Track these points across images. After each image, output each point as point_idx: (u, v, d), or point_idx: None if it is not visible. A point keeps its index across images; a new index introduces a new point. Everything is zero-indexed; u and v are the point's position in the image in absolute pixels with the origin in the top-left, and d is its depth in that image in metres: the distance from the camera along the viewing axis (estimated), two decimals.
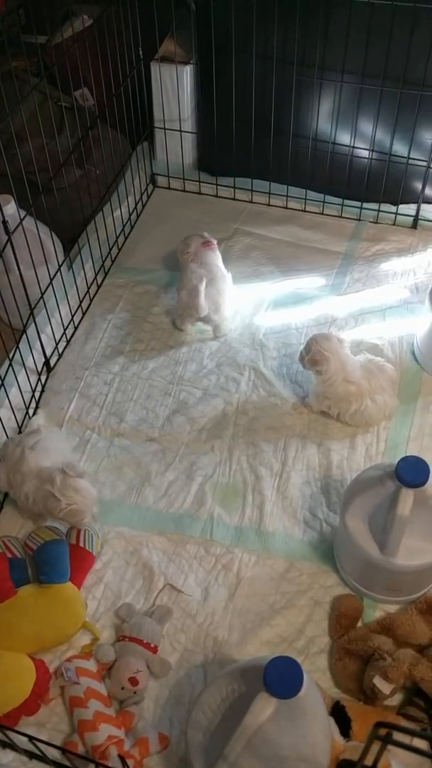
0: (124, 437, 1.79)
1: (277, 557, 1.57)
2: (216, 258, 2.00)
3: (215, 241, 2.02)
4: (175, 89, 2.22)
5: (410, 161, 2.16)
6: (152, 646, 1.43)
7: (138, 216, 2.35)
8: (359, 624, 1.46)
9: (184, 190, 2.42)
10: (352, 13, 1.90)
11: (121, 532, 1.62)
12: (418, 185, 2.22)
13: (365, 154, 2.20)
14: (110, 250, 2.19)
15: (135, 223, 2.33)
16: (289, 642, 1.45)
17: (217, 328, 1.98)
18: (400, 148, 2.16)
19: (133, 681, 1.37)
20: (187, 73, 2.23)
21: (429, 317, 1.83)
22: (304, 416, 1.81)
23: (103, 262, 2.15)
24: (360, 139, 2.19)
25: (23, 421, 1.79)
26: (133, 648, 1.41)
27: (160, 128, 2.33)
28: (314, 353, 1.70)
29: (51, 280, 1.86)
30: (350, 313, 2.03)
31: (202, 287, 1.88)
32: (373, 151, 2.19)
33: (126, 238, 2.28)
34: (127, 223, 2.29)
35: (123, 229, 2.26)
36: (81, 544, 1.55)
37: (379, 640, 1.38)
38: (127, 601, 1.52)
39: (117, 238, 2.23)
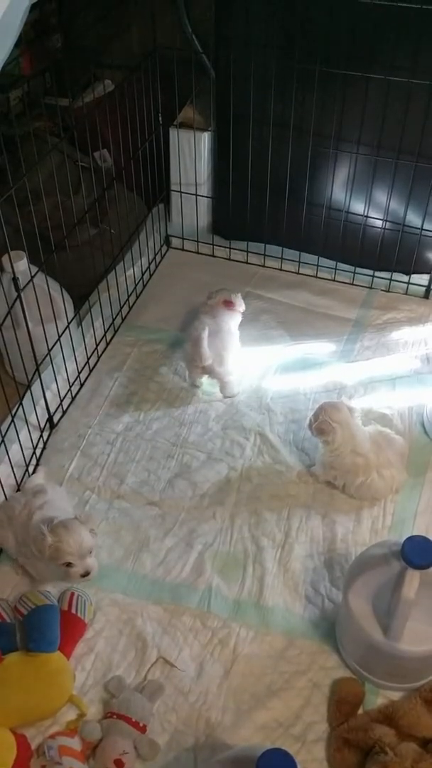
0: (123, 500, 1.74)
1: (276, 634, 1.51)
2: (230, 317, 1.99)
3: (239, 305, 2.01)
4: (193, 154, 2.26)
5: (424, 232, 2.17)
6: (141, 725, 1.35)
7: (151, 276, 2.36)
8: (360, 711, 1.38)
9: (197, 252, 2.44)
10: (368, 87, 1.94)
11: (116, 599, 1.56)
12: (431, 256, 2.22)
13: (378, 223, 2.21)
14: (121, 308, 2.19)
15: (147, 282, 2.34)
16: (285, 728, 1.38)
17: (224, 387, 1.96)
18: (413, 219, 2.17)
19: (119, 763, 1.29)
20: (204, 140, 2.27)
21: None
22: (309, 486, 1.77)
23: (113, 319, 2.15)
24: (374, 208, 2.20)
25: (23, 479, 1.75)
26: (121, 726, 1.34)
27: (176, 191, 2.36)
28: (321, 422, 1.67)
29: (59, 336, 1.85)
30: (359, 381, 2.01)
31: (205, 335, 1.88)
32: (386, 221, 2.20)
33: (137, 297, 2.28)
34: (139, 282, 2.29)
35: (135, 288, 2.27)
36: (73, 611, 1.49)
37: (380, 730, 1.30)
38: (117, 674, 1.45)
39: (128, 296, 2.23)
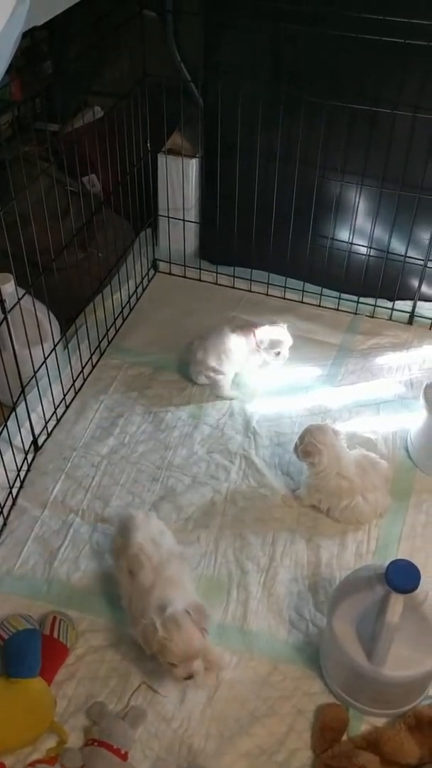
0: (108, 523, 1.73)
1: (260, 659, 1.50)
2: (242, 337, 2.01)
3: (258, 337, 2.00)
4: (181, 180, 2.29)
5: (407, 259, 2.20)
6: (122, 752, 1.34)
7: (138, 299, 2.37)
8: (344, 737, 1.37)
9: (184, 277, 2.46)
10: (354, 117, 1.98)
11: (99, 624, 1.55)
12: (415, 282, 2.25)
13: (363, 250, 2.25)
14: (107, 331, 2.20)
15: (134, 306, 2.35)
16: (269, 755, 1.36)
17: (214, 384, 2.01)
18: (397, 246, 2.20)
19: None
20: (192, 166, 2.30)
21: (423, 414, 1.81)
22: (293, 509, 1.77)
23: (100, 342, 2.15)
24: (359, 235, 2.24)
25: (5, 501, 1.74)
26: (102, 754, 1.32)
27: (164, 216, 2.38)
28: (307, 444, 1.68)
29: (45, 359, 1.85)
30: (344, 406, 2.02)
31: (213, 338, 2.00)
32: (371, 248, 2.23)
33: (124, 320, 2.29)
34: (126, 305, 2.30)
35: (122, 312, 2.28)
36: (55, 636, 1.48)
37: (364, 757, 1.29)
38: (99, 700, 1.43)
39: (115, 319, 2.24)
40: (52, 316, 2.00)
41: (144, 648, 1.38)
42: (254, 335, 1.99)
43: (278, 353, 2.01)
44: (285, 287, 2.36)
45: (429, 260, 2.18)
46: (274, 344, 1.99)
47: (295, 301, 2.36)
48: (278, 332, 2.00)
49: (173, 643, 1.33)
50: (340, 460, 1.68)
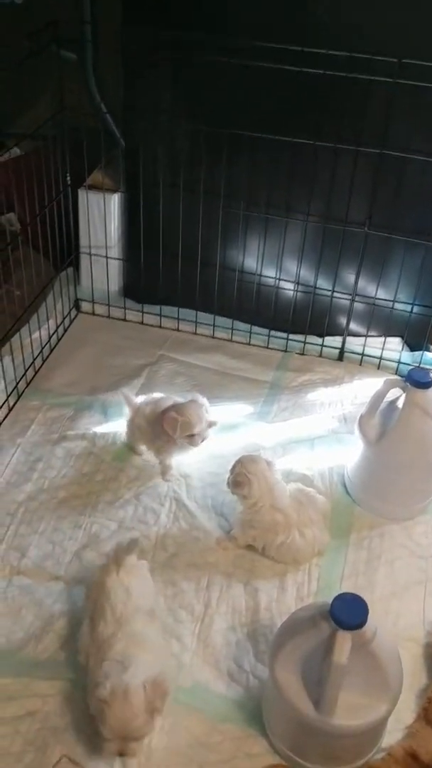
0: (24, 576, 1.57)
1: (195, 718, 1.35)
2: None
3: (165, 424, 1.73)
4: (102, 216, 2.21)
5: (335, 295, 2.17)
6: None
7: (59, 339, 2.25)
8: None
9: (108, 317, 2.36)
10: (276, 151, 1.96)
11: (13, 688, 1.37)
12: (343, 318, 2.22)
13: (291, 287, 2.21)
14: (26, 371, 2.06)
15: (55, 346, 2.22)
16: None
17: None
18: (324, 283, 2.17)
19: None
20: (114, 201, 2.23)
21: (359, 448, 1.74)
22: (228, 552, 1.65)
23: (17, 383, 2.01)
24: (286, 272, 2.20)
25: None
26: None
27: (86, 253, 2.29)
28: (237, 474, 1.58)
29: None
30: (278, 442, 1.93)
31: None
32: (298, 284, 2.19)
33: (44, 361, 2.16)
34: (46, 345, 2.18)
35: (41, 352, 2.15)
36: None
37: None
38: None
39: (34, 359, 2.11)
40: None
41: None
42: (163, 422, 1.71)
43: (192, 436, 1.73)
44: (214, 326, 2.29)
45: (356, 295, 2.15)
46: (185, 427, 1.70)
47: (224, 339, 2.30)
48: (190, 411, 1.72)
49: (111, 712, 1.18)
50: (272, 491, 1.58)
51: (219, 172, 2.05)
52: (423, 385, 1.63)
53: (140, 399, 1.85)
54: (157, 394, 1.86)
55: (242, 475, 1.57)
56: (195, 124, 1.98)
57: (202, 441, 1.75)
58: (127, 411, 1.85)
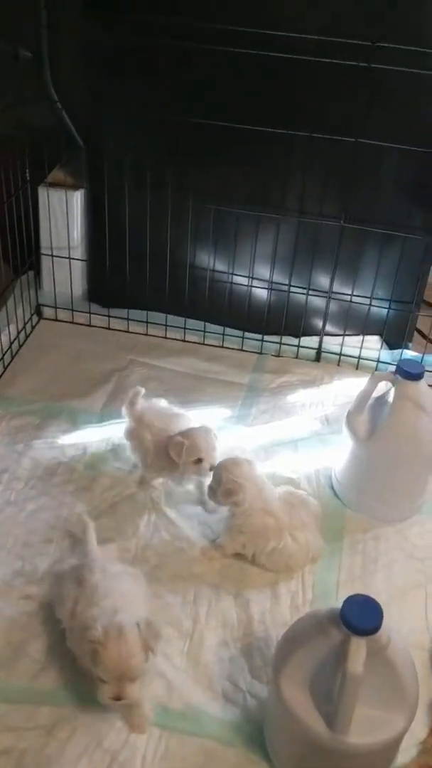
0: None
1: (189, 745, 1.22)
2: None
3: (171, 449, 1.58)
4: (65, 215, 2.09)
5: (311, 292, 2.09)
6: None
7: (21, 346, 2.11)
8: None
9: (72, 322, 2.23)
10: (248, 142, 1.88)
11: None
12: (320, 318, 2.14)
13: (265, 285, 2.12)
14: None
15: (17, 353, 2.08)
16: None
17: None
18: (299, 281, 2.09)
19: None
20: (77, 199, 2.12)
21: (348, 447, 1.65)
22: (215, 562, 1.53)
23: None
24: (259, 271, 2.11)
25: None
26: None
27: (47, 255, 2.16)
28: (227, 482, 1.46)
29: None
30: (260, 446, 1.83)
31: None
32: (272, 282, 2.11)
33: (5, 369, 2.02)
34: (7, 352, 2.04)
35: (2, 359, 2.01)
36: None
37: None
38: None
39: None
40: None
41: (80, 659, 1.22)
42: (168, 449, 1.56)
43: (198, 462, 1.56)
44: (185, 328, 2.18)
45: (333, 293, 2.08)
46: (190, 452, 1.55)
47: (196, 342, 2.19)
48: (197, 435, 1.57)
49: (107, 652, 1.14)
50: (262, 493, 1.48)
51: (187, 167, 1.96)
52: (413, 376, 1.55)
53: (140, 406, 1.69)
54: (161, 402, 1.73)
55: (232, 482, 1.46)
56: (160, 116, 1.88)
57: (210, 470, 1.56)
58: (128, 421, 1.68)
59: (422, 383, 1.57)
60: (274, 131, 1.83)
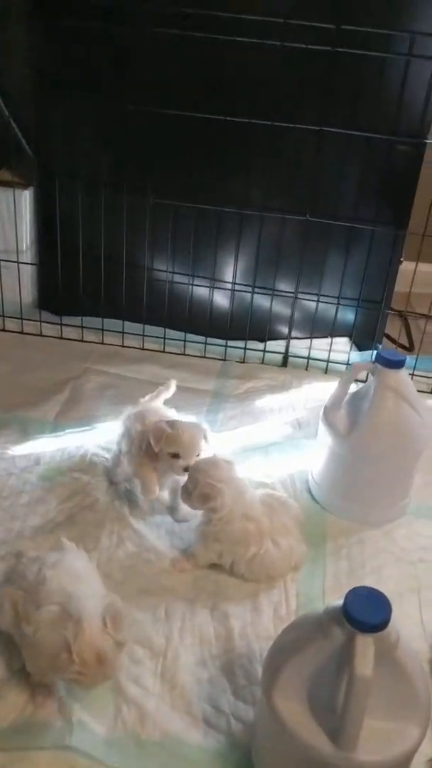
0: None
1: None
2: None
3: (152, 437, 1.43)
4: (12, 216, 1.95)
5: (275, 293, 1.99)
6: None
7: None
8: None
9: (21, 332, 2.07)
10: (207, 133, 1.79)
11: None
12: (285, 321, 2.04)
13: (228, 287, 2.01)
14: None
15: None
16: None
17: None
18: (263, 281, 1.99)
19: None
20: (26, 199, 1.99)
21: (326, 447, 1.53)
22: (187, 573, 1.37)
23: None
24: (221, 273, 2.01)
25: None
26: None
27: None
28: (203, 486, 1.31)
29: None
30: (230, 452, 1.69)
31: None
32: (235, 284, 2.01)
33: None
34: None
35: None
36: None
37: None
38: None
39: None
40: None
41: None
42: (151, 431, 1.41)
43: (175, 457, 1.40)
44: (143, 335, 2.05)
45: (299, 293, 1.98)
46: (168, 442, 1.40)
47: (155, 350, 2.06)
48: (183, 428, 1.41)
49: (83, 634, 1.03)
50: (243, 496, 1.34)
51: (144, 162, 1.86)
52: (394, 363, 1.45)
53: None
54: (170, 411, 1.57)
55: (209, 485, 1.31)
56: (114, 104, 1.79)
57: (186, 470, 1.39)
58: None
59: (403, 372, 1.47)
60: (234, 120, 1.75)
